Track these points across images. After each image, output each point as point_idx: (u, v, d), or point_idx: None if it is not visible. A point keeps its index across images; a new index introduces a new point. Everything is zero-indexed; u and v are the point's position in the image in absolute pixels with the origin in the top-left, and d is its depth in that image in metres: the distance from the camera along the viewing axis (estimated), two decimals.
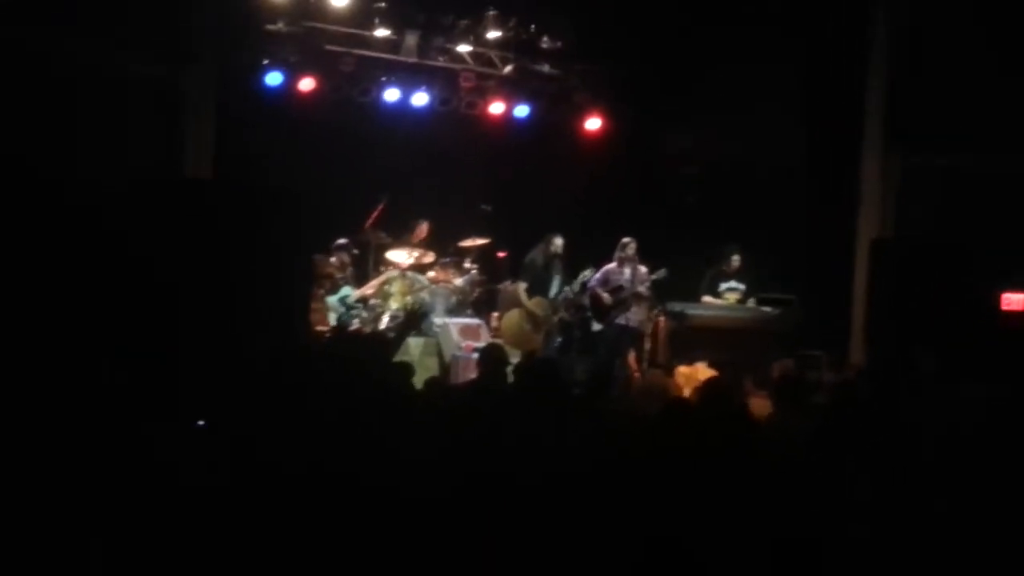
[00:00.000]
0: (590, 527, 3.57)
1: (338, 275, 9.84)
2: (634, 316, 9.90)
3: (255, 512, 3.64)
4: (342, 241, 9.94)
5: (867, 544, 3.72)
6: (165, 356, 5.26)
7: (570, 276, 10.11)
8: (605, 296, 9.86)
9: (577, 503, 3.66)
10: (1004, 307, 8.72)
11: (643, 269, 9.93)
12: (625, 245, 9.91)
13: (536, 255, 10.13)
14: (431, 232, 10.63)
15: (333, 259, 9.84)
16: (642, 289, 9.87)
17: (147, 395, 4.37)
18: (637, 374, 6.57)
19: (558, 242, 10.05)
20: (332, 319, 9.57)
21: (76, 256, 5.20)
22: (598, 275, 9.99)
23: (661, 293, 10.18)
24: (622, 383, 8.30)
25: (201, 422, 4.18)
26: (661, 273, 9.91)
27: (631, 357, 6.95)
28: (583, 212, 11.33)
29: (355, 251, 10.07)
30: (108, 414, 4.10)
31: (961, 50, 9.85)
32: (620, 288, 9.87)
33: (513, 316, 9.97)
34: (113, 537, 3.51)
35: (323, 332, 9.06)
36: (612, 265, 9.99)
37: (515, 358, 9.36)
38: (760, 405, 5.39)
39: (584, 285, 9.93)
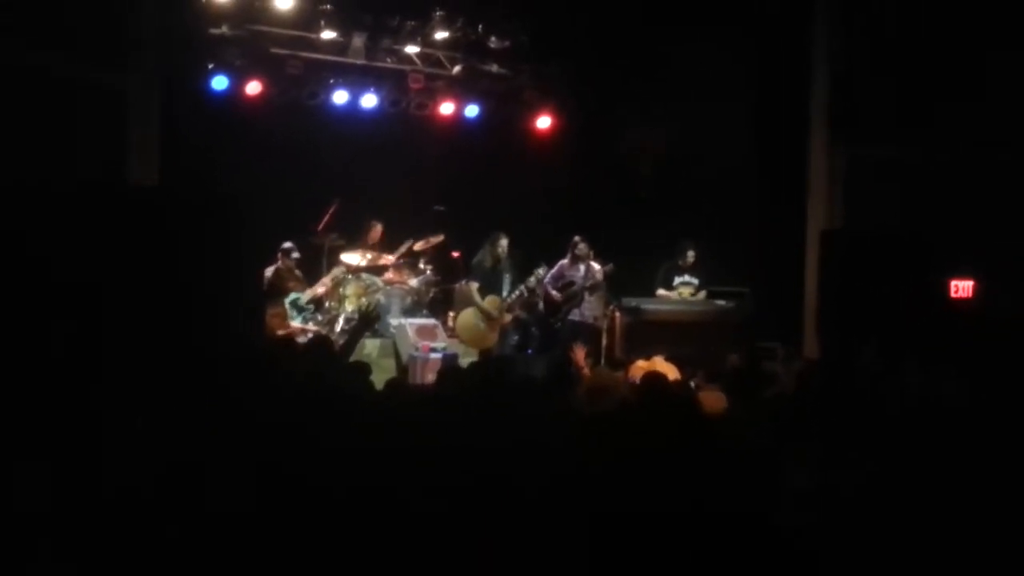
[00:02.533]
0: (544, 524, 3.56)
1: (288, 279, 9.77)
2: (588, 311, 10.05)
3: (199, 513, 3.59)
4: (287, 245, 9.85)
5: (819, 533, 3.74)
6: (109, 365, 5.18)
7: (522, 274, 10.12)
8: (555, 293, 10.02)
9: (529, 502, 3.64)
10: (953, 294, 8.85)
11: (596, 266, 10.07)
12: (576, 243, 10.06)
13: (483, 257, 10.13)
14: (384, 234, 10.58)
15: (280, 264, 9.75)
16: (597, 278, 9.99)
17: (90, 410, 4.30)
18: (585, 371, 6.58)
19: (503, 242, 10.06)
20: (293, 322, 9.52)
21: (15, 265, 5.11)
22: (553, 271, 10.12)
23: (615, 288, 10.27)
24: (573, 380, 8.29)
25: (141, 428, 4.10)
26: (609, 267, 10.06)
27: (579, 353, 6.95)
28: (536, 210, 11.34)
29: (296, 255, 9.93)
30: (49, 433, 4.03)
31: (904, 42, 9.98)
32: (571, 284, 10.02)
33: (467, 315, 9.95)
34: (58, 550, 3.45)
35: (284, 336, 9.00)
36: (566, 261, 10.15)
37: (471, 357, 9.42)
38: (714, 398, 5.39)
39: (539, 282, 10.00)
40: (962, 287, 8.81)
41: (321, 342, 6.26)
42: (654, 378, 5.22)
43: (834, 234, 9.73)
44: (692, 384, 6.40)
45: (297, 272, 9.97)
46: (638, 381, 7.46)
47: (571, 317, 10.04)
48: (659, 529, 3.47)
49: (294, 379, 4.92)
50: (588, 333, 9.96)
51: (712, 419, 4.78)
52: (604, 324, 10.22)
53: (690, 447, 3.99)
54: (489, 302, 9.93)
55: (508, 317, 10.05)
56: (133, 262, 6.00)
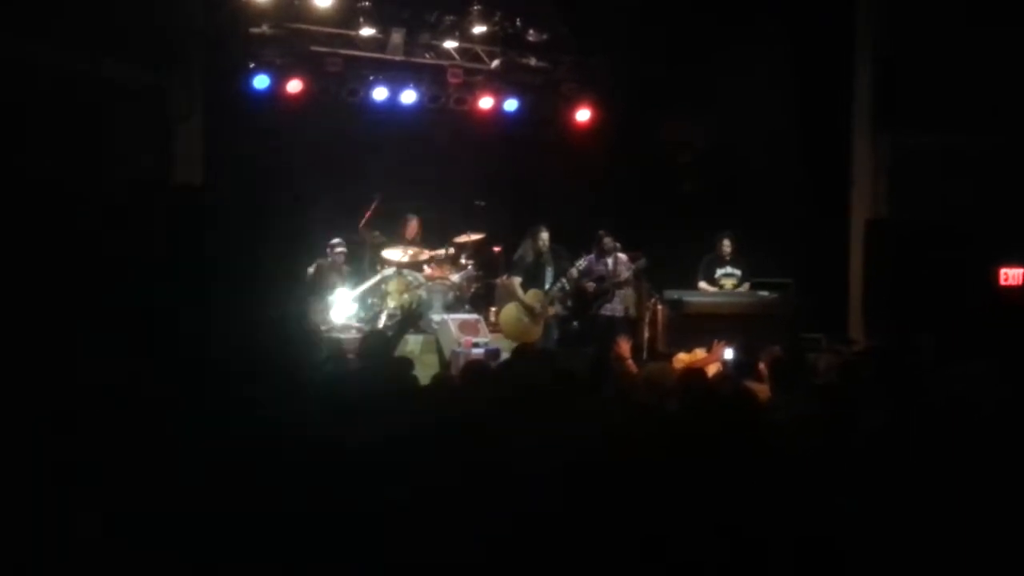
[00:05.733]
0: (594, 520, 3.55)
1: (334, 276, 9.83)
2: (619, 306, 9.99)
3: (254, 510, 3.61)
4: (335, 241, 9.92)
5: (870, 527, 3.70)
6: (158, 363, 5.25)
7: (565, 266, 10.09)
8: (589, 285, 9.95)
9: (579, 496, 3.63)
10: (1003, 282, 8.72)
11: (623, 257, 10.00)
12: (601, 238, 9.97)
13: (525, 251, 10.11)
14: (421, 227, 10.60)
15: (327, 260, 9.82)
16: (626, 275, 9.92)
17: (142, 403, 4.36)
18: (629, 361, 6.58)
19: (544, 235, 10.02)
20: (335, 319, 9.58)
21: (66, 262, 5.18)
22: (581, 266, 10.03)
23: (657, 280, 10.22)
24: (617, 374, 8.28)
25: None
26: (642, 263, 10.00)
27: (624, 346, 6.92)
28: (576, 203, 11.32)
29: (345, 250, 10.02)
30: (103, 422, 4.09)
31: (948, 28, 9.83)
32: (602, 279, 9.96)
33: (510, 310, 9.96)
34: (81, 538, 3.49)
35: (326, 332, 9.07)
36: (591, 256, 10.04)
37: None
38: (755, 391, 5.35)
39: (580, 274, 9.97)
40: (1011, 275, 8.68)
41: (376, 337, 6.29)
42: (693, 375, 5.20)
43: (879, 223, 9.62)
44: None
45: (345, 268, 10.02)
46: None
47: (603, 312, 9.98)
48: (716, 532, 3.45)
49: (341, 377, 4.96)
50: (622, 327, 9.90)
51: (760, 412, 4.75)
52: (646, 315, 10.16)
53: (739, 445, 3.96)
54: (532, 296, 9.92)
55: (552, 310, 10.03)
56: (177, 261, 6.06)
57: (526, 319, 9.89)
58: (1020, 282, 8.70)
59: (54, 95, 7.88)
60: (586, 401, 4.93)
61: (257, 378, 4.82)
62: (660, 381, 5.40)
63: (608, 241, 9.98)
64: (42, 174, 6.28)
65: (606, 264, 10.01)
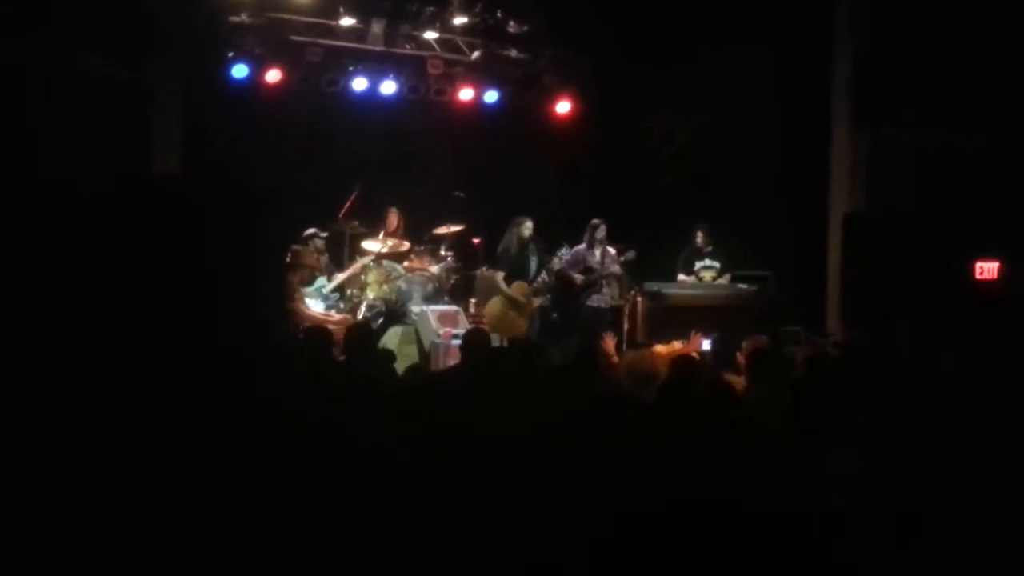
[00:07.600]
0: (572, 509, 3.56)
1: (313, 265, 9.78)
2: (606, 297, 10.00)
3: (230, 509, 3.60)
4: (312, 231, 9.87)
5: (850, 517, 3.73)
6: (134, 352, 5.23)
7: (547, 256, 10.09)
8: (577, 277, 9.94)
9: (557, 487, 3.64)
10: (978, 276, 8.80)
11: (612, 250, 10.01)
12: (595, 227, 9.96)
13: (508, 243, 10.08)
14: (402, 219, 10.56)
15: (308, 249, 9.76)
16: (615, 269, 9.93)
17: (116, 393, 4.34)
18: (615, 358, 6.58)
19: (528, 224, 10.00)
20: (316, 309, 9.53)
21: (42, 254, 5.15)
22: (568, 256, 10.05)
23: (637, 273, 10.24)
24: (602, 366, 8.29)
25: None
26: (630, 255, 10.02)
27: (610, 340, 6.96)
28: (557, 196, 11.32)
29: (325, 235, 9.99)
30: (75, 414, 4.07)
31: (927, 24, 9.89)
32: (591, 270, 9.95)
33: (495, 304, 9.94)
34: (81, 535, 3.47)
35: (304, 322, 9.02)
36: (582, 247, 10.05)
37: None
38: (733, 382, 5.38)
39: (561, 263, 9.97)
40: (987, 269, 8.77)
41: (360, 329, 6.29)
42: (685, 362, 5.24)
43: (857, 217, 9.68)
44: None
45: (323, 258, 9.97)
46: (659, 363, 7.47)
47: (590, 303, 9.98)
48: (692, 521, 3.47)
49: (320, 368, 4.95)
50: (607, 320, 9.93)
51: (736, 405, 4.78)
52: (627, 309, 10.19)
53: (723, 435, 3.98)
54: (516, 288, 9.89)
55: (536, 302, 10.01)
56: (158, 253, 6.03)
57: (512, 312, 9.87)
58: (995, 276, 8.78)
59: (32, 87, 7.82)
60: (575, 392, 4.95)
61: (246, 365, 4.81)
62: (640, 368, 5.44)
63: (603, 231, 9.95)
64: (26, 168, 6.24)
65: (595, 255, 9.99)
